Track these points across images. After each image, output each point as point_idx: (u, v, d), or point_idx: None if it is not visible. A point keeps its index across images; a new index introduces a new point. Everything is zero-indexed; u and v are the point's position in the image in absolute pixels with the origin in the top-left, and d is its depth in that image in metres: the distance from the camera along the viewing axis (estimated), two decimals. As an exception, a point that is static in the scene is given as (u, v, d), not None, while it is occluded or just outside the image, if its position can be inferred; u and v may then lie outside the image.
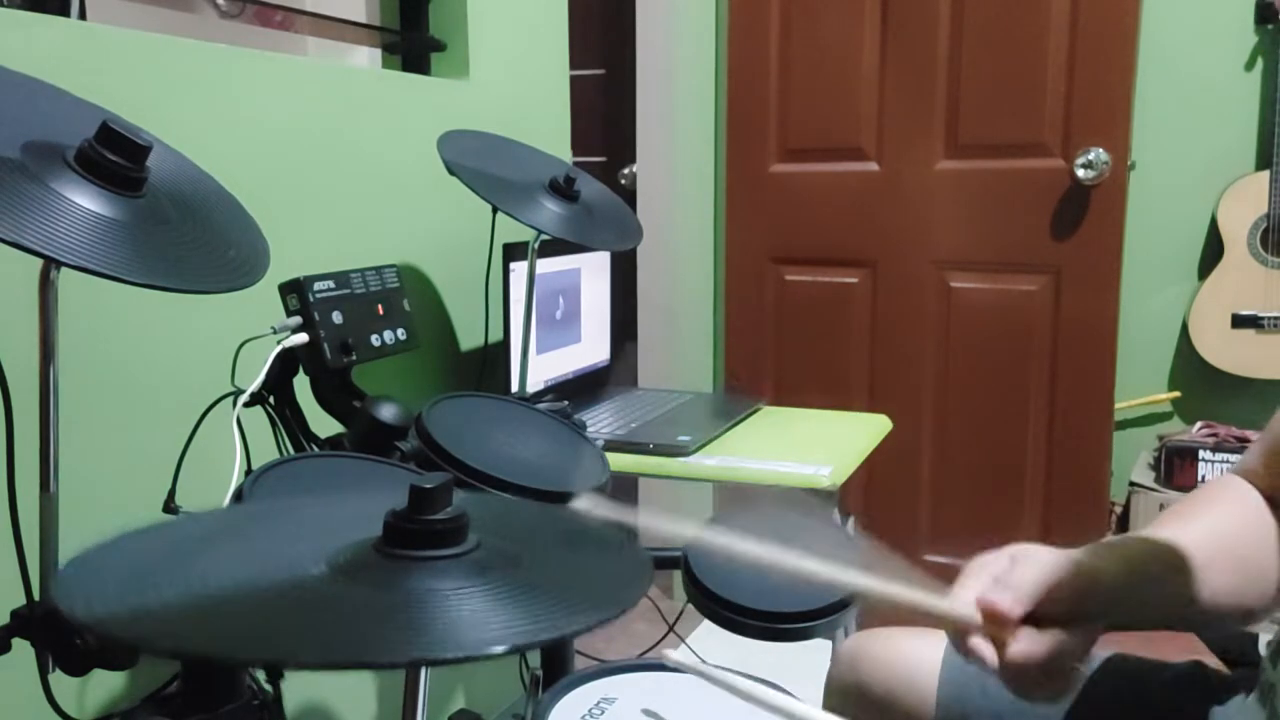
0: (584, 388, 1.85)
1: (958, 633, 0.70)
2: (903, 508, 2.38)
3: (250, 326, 1.15)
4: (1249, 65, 2.22)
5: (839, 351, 2.40)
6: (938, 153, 2.28)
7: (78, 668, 0.76)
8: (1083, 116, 2.13)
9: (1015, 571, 0.69)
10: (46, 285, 0.74)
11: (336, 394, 1.17)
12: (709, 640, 1.71)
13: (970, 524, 2.31)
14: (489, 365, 1.70)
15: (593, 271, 1.87)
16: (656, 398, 1.86)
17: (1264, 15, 2.17)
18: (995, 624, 0.67)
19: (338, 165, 1.43)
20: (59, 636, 0.75)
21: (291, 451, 1.12)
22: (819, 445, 1.58)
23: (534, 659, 1.43)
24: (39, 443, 0.76)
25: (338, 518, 0.61)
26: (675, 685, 0.96)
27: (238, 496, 0.84)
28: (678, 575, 0.99)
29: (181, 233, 0.78)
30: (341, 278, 1.20)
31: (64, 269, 0.69)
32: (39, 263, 0.71)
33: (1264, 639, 1.37)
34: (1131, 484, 2.20)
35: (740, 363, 2.51)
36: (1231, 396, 2.28)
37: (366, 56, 1.96)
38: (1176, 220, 2.30)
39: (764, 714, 0.79)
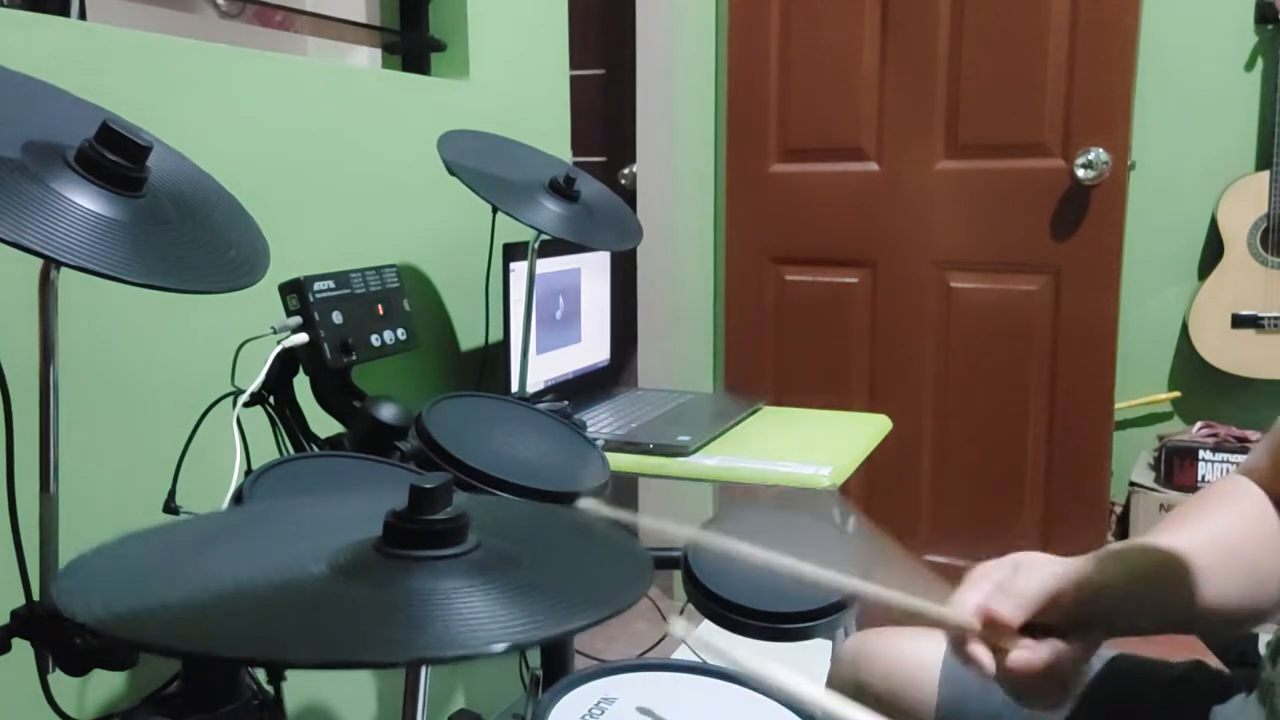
0: (584, 388, 1.84)
1: (957, 639, 0.69)
2: (903, 508, 2.38)
3: (250, 326, 1.15)
4: (1249, 65, 2.22)
5: (839, 351, 2.40)
6: (938, 153, 2.28)
7: (78, 668, 0.76)
8: (1083, 116, 2.13)
9: (1017, 579, 0.69)
10: (46, 285, 0.74)
11: (336, 394, 1.17)
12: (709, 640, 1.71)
13: (970, 524, 2.31)
14: (489, 365, 1.70)
15: (593, 271, 1.87)
16: (656, 398, 1.86)
17: (1264, 15, 2.17)
18: (995, 631, 0.67)
19: (338, 165, 1.43)
20: (59, 636, 0.75)
21: (291, 451, 1.12)
22: (819, 445, 1.58)
23: (534, 659, 1.43)
24: (39, 443, 0.76)
25: (338, 518, 0.61)
26: (675, 685, 0.96)
27: (238, 496, 0.84)
28: (678, 575, 0.99)
29: (181, 233, 0.78)
30: (341, 278, 1.20)
31: (64, 269, 0.69)
32: (39, 263, 0.71)
33: (1264, 639, 1.37)
34: (1131, 484, 2.20)
35: (740, 362, 2.51)
36: (1231, 396, 2.28)
37: (366, 56, 1.96)
38: (1176, 220, 2.30)
39: (769, 707, 0.79)
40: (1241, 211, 2.18)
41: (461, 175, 1.28)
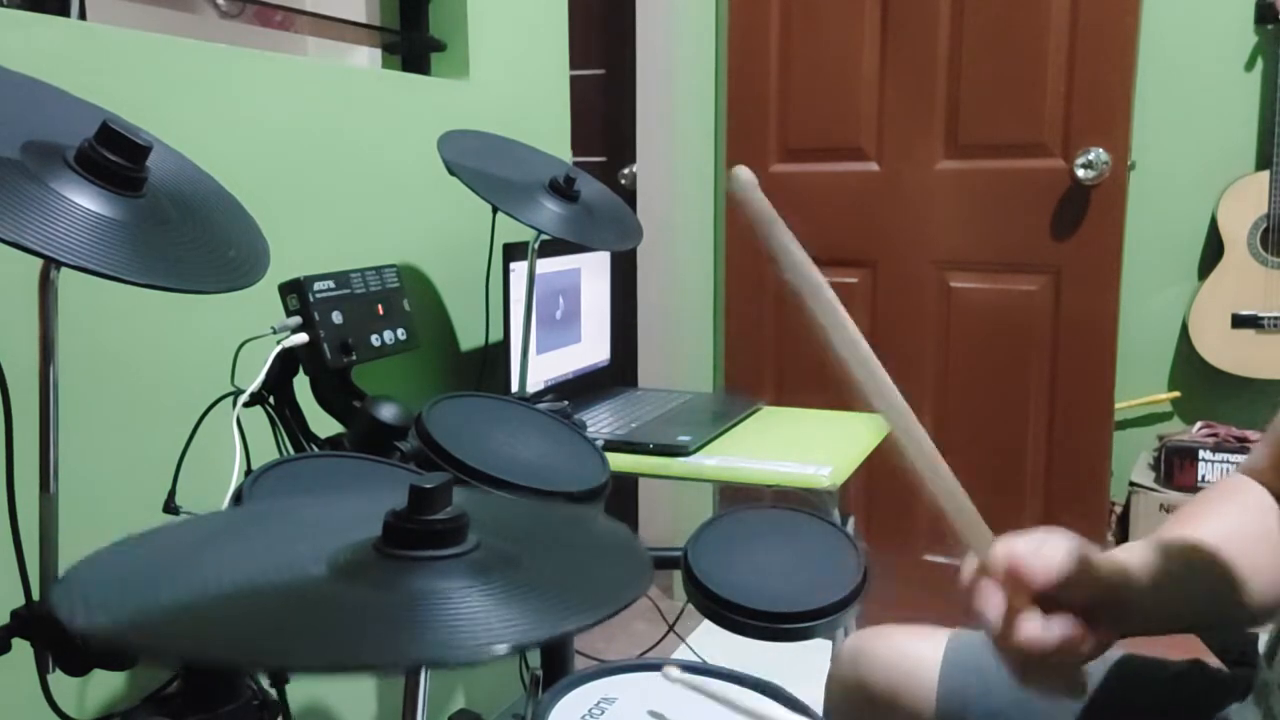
0: (584, 388, 1.84)
1: (973, 579, 0.67)
2: (903, 508, 2.37)
3: (250, 326, 1.15)
4: (1249, 65, 2.22)
5: (839, 351, 2.40)
6: (938, 153, 2.28)
7: (78, 668, 0.76)
8: (1083, 116, 2.13)
9: (1046, 546, 0.66)
10: (46, 285, 0.74)
11: (336, 394, 1.17)
12: (709, 640, 1.71)
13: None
14: (489, 365, 1.70)
15: (593, 271, 1.87)
16: (656, 398, 1.86)
17: (1264, 15, 2.17)
18: (1013, 585, 0.65)
19: (338, 165, 1.43)
20: (59, 636, 0.75)
21: (291, 451, 1.12)
22: (819, 445, 1.58)
23: (534, 659, 1.43)
24: (39, 443, 0.76)
25: (338, 518, 0.61)
26: (675, 685, 0.96)
27: (238, 497, 0.84)
28: (678, 575, 0.99)
29: (181, 233, 0.78)
30: (341, 278, 1.20)
31: (64, 269, 0.69)
32: (39, 263, 0.71)
33: (1262, 639, 1.37)
34: (1131, 484, 2.20)
35: (740, 362, 2.51)
36: (1231, 396, 2.28)
37: (366, 56, 1.96)
38: (1176, 220, 2.30)
39: (769, 706, 0.79)
40: (1241, 211, 2.18)
41: (461, 175, 1.28)
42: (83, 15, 1.21)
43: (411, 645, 0.46)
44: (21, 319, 0.86)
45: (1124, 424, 2.37)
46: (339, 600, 0.50)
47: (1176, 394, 2.34)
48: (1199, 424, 2.25)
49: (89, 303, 1.09)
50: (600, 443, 1.49)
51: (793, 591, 0.99)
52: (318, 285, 1.16)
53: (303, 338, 1.14)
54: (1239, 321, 2.18)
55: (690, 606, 1.01)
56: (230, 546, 0.57)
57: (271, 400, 1.12)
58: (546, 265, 1.71)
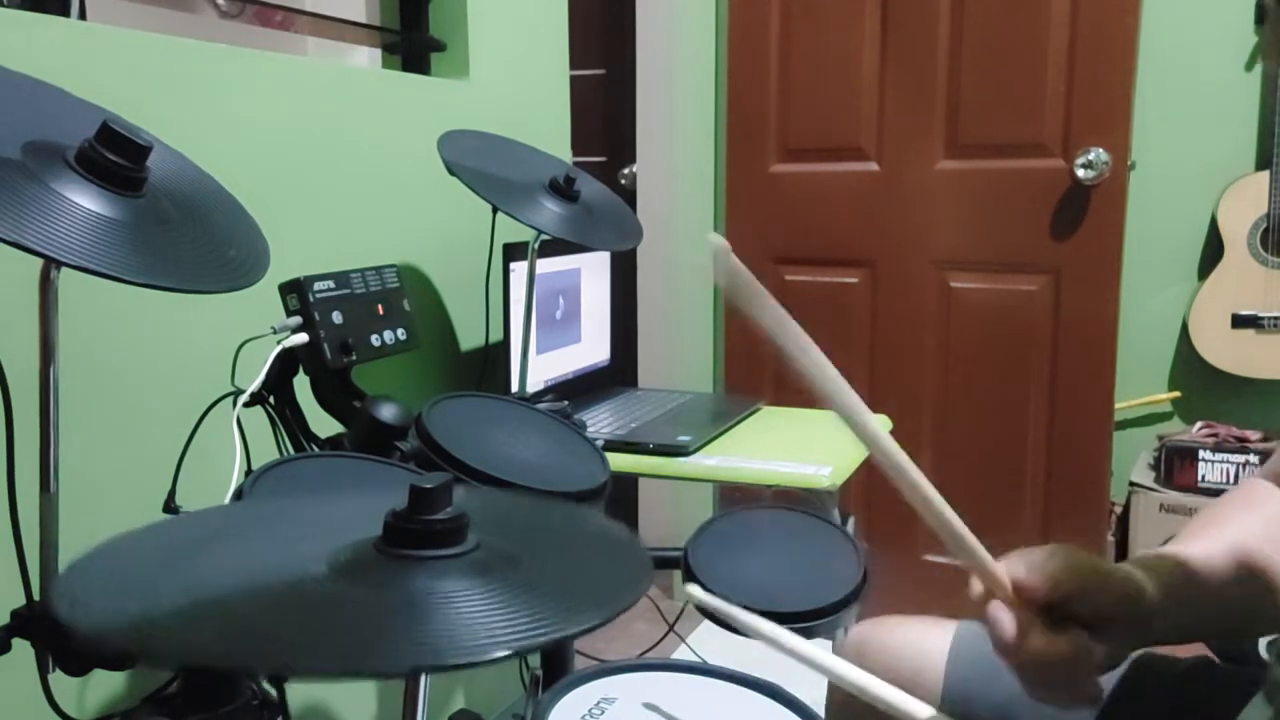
0: (584, 388, 1.84)
1: (981, 597, 0.67)
2: (903, 508, 2.36)
3: (250, 326, 1.15)
4: (1249, 65, 2.22)
5: (839, 351, 2.37)
6: (938, 153, 2.28)
7: (78, 668, 0.76)
8: (1083, 116, 2.13)
9: (1051, 560, 0.67)
10: (46, 285, 0.74)
11: (336, 394, 1.17)
12: (709, 640, 1.71)
13: (970, 524, 2.30)
14: (489, 365, 1.70)
15: (593, 271, 1.87)
16: (656, 398, 1.86)
17: (1264, 15, 2.17)
18: (1020, 600, 0.65)
19: (338, 165, 1.43)
20: (59, 636, 0.75)
21: (291, 451, 1.12)
22: (819, 445, 1.58)
23: (534, 659, 1.43)
24: (39, 443, 0.76)
25: (338, 518, 0.61)
26: (675, 685, 0.96)
27: (238, 496, 0.84)
28: (678, 575, 0.99)
29: (181, 233, 0.78)
30: (341, 278, 1.20)
31: (64, 269, 0.69)
32: (39, 263, 0.71)
33: (1263, 640, 1.37)
34: (1131, 484, 2.20)
35: (740, 363, 2.51)
36: (1231, 396, 2.28)
37: (366, 56, 1.96)
38: (1176, 220, 2.30)
39: (768, 706, 0.79)
40: (1241, 211, 2.18)
41: (461, 175, 1.28)
42: (83, 15, 1.21)
43: (413, 651, 0.46)
44: (21, 319, 0.86)
45: (1124, 424, 2.37)
46: (339, 600, 0.50)
47: (1176, 394, 2.34)
48: (1199, 424, 2.25)
49: (89, 303, 1.09)
50: (600, 443, 1.49)
51: (793, 591, 0.99)
52: (318, 285, 1.16)
53: (303, 338, 1.14)
54: (1239, 321, 2.18)
55: (690, 606, 1.01)
56: (230, 546, 0.57)
57: (271, 400, 1.12)
58: (546, 265, 1.71)
